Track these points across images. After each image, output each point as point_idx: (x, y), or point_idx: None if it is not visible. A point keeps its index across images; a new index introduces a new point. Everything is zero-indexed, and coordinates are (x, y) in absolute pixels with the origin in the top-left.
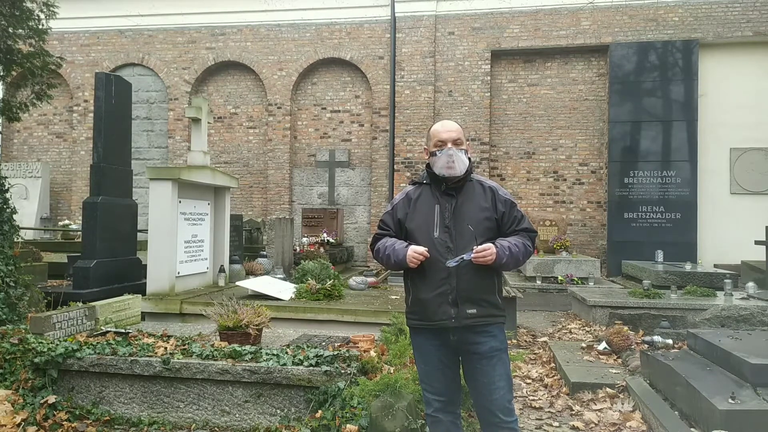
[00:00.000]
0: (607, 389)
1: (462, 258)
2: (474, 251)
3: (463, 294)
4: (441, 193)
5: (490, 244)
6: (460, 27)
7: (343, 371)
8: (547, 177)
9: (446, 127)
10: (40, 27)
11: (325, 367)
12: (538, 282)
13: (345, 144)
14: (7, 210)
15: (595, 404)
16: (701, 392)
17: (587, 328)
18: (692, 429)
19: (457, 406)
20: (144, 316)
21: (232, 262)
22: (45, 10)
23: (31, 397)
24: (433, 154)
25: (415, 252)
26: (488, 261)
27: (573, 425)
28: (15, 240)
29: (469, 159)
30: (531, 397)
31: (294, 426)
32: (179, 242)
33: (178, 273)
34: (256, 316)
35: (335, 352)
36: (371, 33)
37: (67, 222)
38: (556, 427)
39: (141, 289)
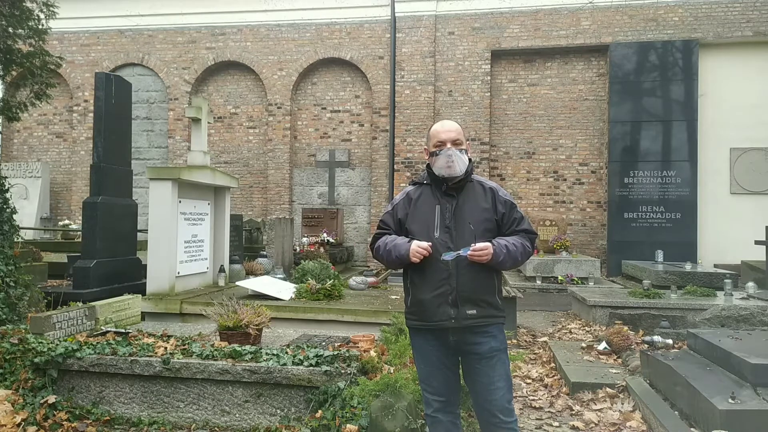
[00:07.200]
0: (607, 389)
1: (458, 254)
2: (471, 249)
3: (463, 294)
4: (441, 193)
5: (487, 243)
6: (460, 27)
7: (343, 371)
8: (547, 177)
9: (445, 127)
10: (40, 27)
11: (325, 367)
12: (538, 282)
13: (345, 144)
14: (7, 210)
15: (595, 404)
16: (701, 392)
17: (587, 328)
18: (692, 429)
19: (456, 406)
20: (144, 316)
21: (232, 262)
22: (45, 10)
23: (31, 397)
24: (432, 155)
25: (419, 247)
26: (484, 260)
27: (573, 425)
28: (15, 240)
29: (470, 159)
30: (531, 397)
31: (294, 426)
32: (179, 242)
33: (178, 273)
34: (256, 316)
35: (335, 352)
36: (371, 33)
37: (67, 222)
38: (556, 427)
39: (141, 289)
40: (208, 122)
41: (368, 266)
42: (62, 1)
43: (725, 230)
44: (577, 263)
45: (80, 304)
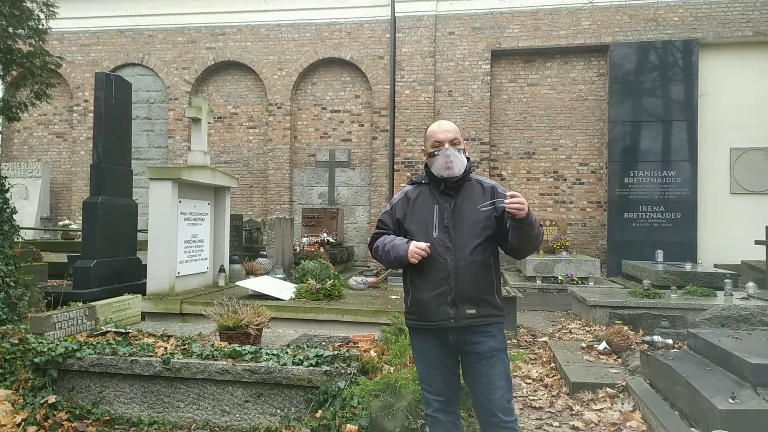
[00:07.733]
0: (607, 389)
1: (494, 202)
2: (508, 196)
3: (462, 294)
4: (440, 193)
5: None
6: (460, 27)
7: (343, 371)
8: (547, 177)
9: (443, 128)
10: (40, 27)
11: (325, 367)
12: (538, 282)
13: (345, 144)
14: (7, 210)
15: (595, 404)
16: (701, 392)
17: (587, 328)
18: (692, 429)
19: (456, 406)
20: (144, 316)
21: (232, 262)
22: (45, 10)
23: (31, 397)
24: (430, 155)
25: (417, 247)
26: (522, 208)
27: (573, 425)
28: (15, 240)
29: (468, 158)
30: (531, 397)
31: (294, 426)
32: (179, 242)
33: (178, 273)
34: (256, 316)
35: (335, 352)
36: (371, 33)
37: (67, 222)
38: (556, 427)
39: (141, 289)
40: (208, 122)
41: (368, 266)
42: (62, 1)
43: (725, 230)
44: (577, 263)
45: (80, 304)
